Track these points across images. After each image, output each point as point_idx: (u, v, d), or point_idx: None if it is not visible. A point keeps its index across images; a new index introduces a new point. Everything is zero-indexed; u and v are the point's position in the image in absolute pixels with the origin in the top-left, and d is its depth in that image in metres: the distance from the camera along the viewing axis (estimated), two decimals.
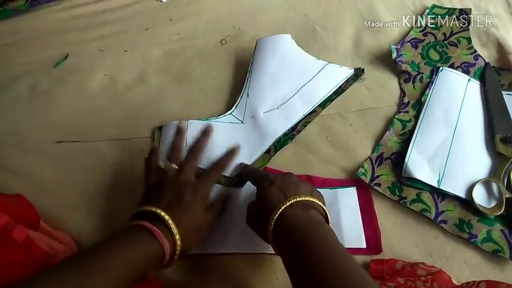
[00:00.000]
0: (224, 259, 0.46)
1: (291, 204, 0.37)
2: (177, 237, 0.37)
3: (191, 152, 0.46)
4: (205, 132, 0.49)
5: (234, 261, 0.45)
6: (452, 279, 0.41)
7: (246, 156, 0.52)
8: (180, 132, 0.49)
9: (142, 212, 0.39)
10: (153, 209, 0.38)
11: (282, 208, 0.37)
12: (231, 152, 0.48)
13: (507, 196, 0.45)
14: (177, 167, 0.45)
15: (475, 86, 0.56)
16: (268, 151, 0.53)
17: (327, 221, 0.39)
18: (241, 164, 0.51)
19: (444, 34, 0.63)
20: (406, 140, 0.52)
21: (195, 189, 0.42)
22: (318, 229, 0.35)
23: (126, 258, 0.34)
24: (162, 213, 0.38)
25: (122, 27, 0.73)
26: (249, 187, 0.50)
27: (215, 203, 0.45)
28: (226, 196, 0.47)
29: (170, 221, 0.37)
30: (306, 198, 0.38)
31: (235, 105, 0.58)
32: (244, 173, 0.49)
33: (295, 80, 0.59)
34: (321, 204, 0.39)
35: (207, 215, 0.43)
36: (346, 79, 0.59)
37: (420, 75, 0.58)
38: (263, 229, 0.38)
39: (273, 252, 0.45)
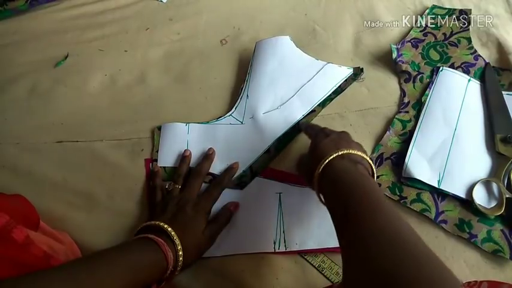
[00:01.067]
0: (224, 259, 0.46)
1: (342, 155, 0.39)
2: (179, 247, 0.40)
3: (194, 173, 0.50)
4: (207, 157, 0.52)
5: (234, 261, 0.45)
6: None
7: (247, 157, 0.52)
8: (184, 159, 0.52)
9: (147, 226, 0.42)
10: (157, 223, 0.41)
11: (333, 156, 0.38)
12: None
13: (507, 196, 0.45)
14: (179, 187, 0.48)
15: (475, 86, 0.56)
16: (268, 151, 0.53)
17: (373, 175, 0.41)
18: (301, 120, 0.53)
19: (444, 34, 0.63)
20: (406, 140, 0.52)
21: (197, 205, 0.46)
22: (363, 181, 0.36)
23: (132, 265, 0.36)
24: (165, 226, 0.40)
25: (121, 27, 0.73)
26: (248, 189, 0.50)
27: (219, 217, 0.47)
28: (229, 212, 0.48)
29: (173, 233, 0.40)
30: (357, 153, 0.39)
31: (234, 107, 0.58)
32: (303, 127, 0.53)
33: (295, 80, 0.59)
34: (370, 162, 0.40)
35: (208, 230, 0.45)
36: (345, 79, 0.59)
37: (420, 75, 0.58)
38: (311, 175, 0.40)
39: (272, 251, 0.45)
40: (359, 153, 0.40)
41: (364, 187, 0.35)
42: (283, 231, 0.46)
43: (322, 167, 0.38)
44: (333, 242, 0.44)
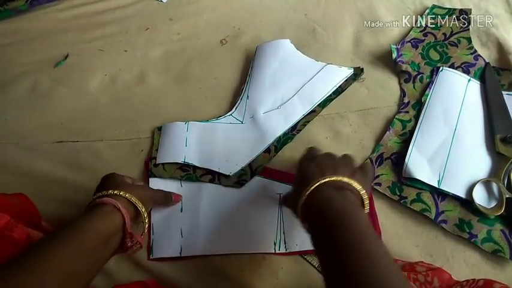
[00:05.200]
0: (224, 259, 0.46)
1: (324, 182, 0.36)
2: (127, 194, 0.40)
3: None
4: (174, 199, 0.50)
5: (234, 261, 0.45)
6: (452, 276, 0.41)
7: (246, 155, 0.52)
8: (169, 200, 0.50)
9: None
10: (102, 193, 0.40)
11: (316, 184, 0.36)
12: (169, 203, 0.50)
13: (507, 196, 0.45)
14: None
15: (475, 86, 0.56)
16: (268, 151, 0.53)
17: (363, 205, 0.38)
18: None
19: (444, 34, 0.63)
20: (406, 140, 0.52)
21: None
22: (349, 210, 0.34)
23: (85, 229, 0.35)
24: (110, 191, 0.40)
25: (121, 27, 0.73)
26: (248, 189, 0.50)
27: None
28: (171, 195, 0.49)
29: (116, 191, 0.40)
30: (343, 180, 0.37)
31: (235, 107, 0.58)
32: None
33: (295, 81, 0.59)
34: (358, 188, 0.37)
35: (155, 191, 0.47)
36: (345, 79, 0.59)
37: (420, 75, 0.58)
38: (295, 204, 0.38)
39: (272, 252, 0.45)
40: (345, 179, 0.37)
41: (347, 220, 0.33)
42: (284, 232, 0.46)
43: (305, 197, 0.36)
44: None
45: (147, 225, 0.42)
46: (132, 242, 0.39)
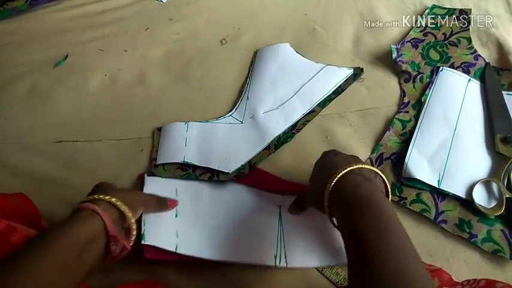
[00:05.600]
0: (226, 266, 0.45)
1: (353, 169, 0.37)
2: (113, 199, 0.38)
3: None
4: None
5: (236, 268, 0.45)
6: (453, 277, 0.41)
7: (246, 154, 0.52)
8: (165, 206, 0.48)
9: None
10: (86, 199, 0.39)
11: (346, 170, 0.37)
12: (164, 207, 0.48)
13: (507, 196, 0.45)
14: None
15: (475, 86, 0.56)
16: (267, 148, 0.53)
17: (387, 194, 0.39)
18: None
19: (444, 34, 0.63)
20: (406, 140, 0.52)
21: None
22: (377, 196, 0.34)
23: (62, 235, 0.34)
24: (90, 197, 0.39)
25: (121, 27, 0.73)
26: (250, 200, 0.49)
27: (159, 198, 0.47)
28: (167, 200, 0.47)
29: (96, 195, 0.39)
30: (372, 168, 0.38)
31: (235, 108, 0.58)
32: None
33: (294, 81, 0.59)
34: (383, 176, 0.38)
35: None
36: (345, 79, 0.59)
37: (420, 75, 0.58)
38: (319, 196, 0.38)
39: (273, 264, 0.43)
40: (373, 168, 0.38)
41: (375, 206, 0.33)
42: (284, 246, 0.45)
43: (333, 183, 0.36)
44: (336, 259, 0.43)
45: (135, 231, 0.40)
46: (118, 246, 0.37)
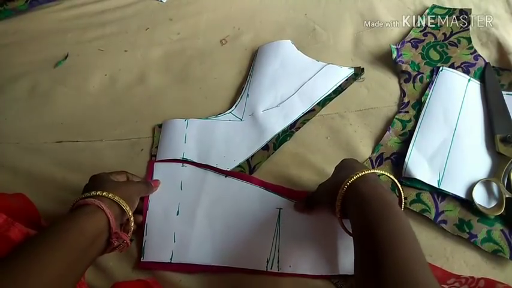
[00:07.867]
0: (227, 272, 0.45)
1: (374, 172, 0.39)
2: (111, 195, 0.40)
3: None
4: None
5: (236, 274, 0.44)
6: (446, 269, 0.41)
7: (245, 152, 0.53)
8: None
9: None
10: (85, 195, 0.40)
11: (366, 172, 0.38)
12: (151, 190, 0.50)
13: (507, 196, 0.45)
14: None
15: (475, 86, 0.56)
16: (267, 148, 0.53)
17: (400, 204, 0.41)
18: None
19: (444, 34, 0.63)
20: (406, 140, 0.52)
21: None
22: (393, 202, 0.35)
23: (70, 229, 0.35)
24: (93, 192, 0.40)
25: (121, 27, 0.73)
26: (248, 199, 0.49)
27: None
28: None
29: (99, 192, 0.40)
30: (389, 175, 0.41)
31: (235, 105, 0.58)
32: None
33: (295, 80, 0.59)
34: (400, 187, 0.41)
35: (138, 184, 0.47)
36: (345, 78, 0.59)
37: (420, 75, 0.58)
38: (334, 193, 0.39)
39: (264, 269, 0.43)
40: (391, 176, 0.40)
41: (391, 210, 0.34)
42: (278, 250, 0.44)
43: (354, 178, 0.38)
44: (329, 268, 0.43)
45: (132, 224, 0.42)
46: (119, 241, 0.39)
